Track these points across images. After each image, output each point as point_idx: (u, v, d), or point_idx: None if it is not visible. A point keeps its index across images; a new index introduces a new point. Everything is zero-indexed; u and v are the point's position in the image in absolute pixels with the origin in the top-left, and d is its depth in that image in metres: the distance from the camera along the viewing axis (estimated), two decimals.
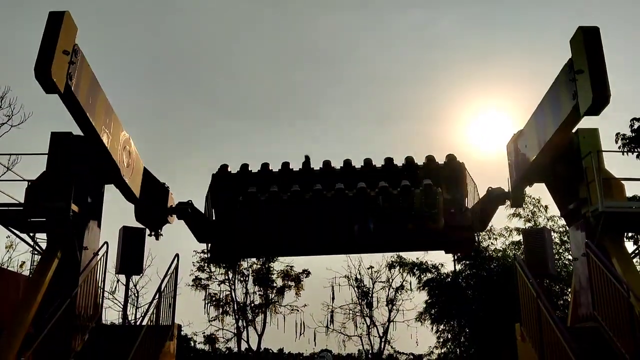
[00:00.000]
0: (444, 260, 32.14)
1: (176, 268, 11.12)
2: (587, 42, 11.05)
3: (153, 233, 15.56)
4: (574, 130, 13.61)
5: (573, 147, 13.35)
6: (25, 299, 11.75)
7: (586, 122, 12.57)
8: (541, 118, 13.52)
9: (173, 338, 11.40)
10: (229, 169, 16.85)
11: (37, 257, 14.17)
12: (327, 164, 17.07)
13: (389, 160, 17.07)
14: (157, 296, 10.00)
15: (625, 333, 9.51)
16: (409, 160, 16.73)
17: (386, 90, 79.97)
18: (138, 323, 13.29)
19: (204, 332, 33.74)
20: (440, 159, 16.40)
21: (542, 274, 13.87)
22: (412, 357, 36.03)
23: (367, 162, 17.08)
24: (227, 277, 32.88)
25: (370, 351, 33.63)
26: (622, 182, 12.89)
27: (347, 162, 17.05)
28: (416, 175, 16.18)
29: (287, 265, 33.42)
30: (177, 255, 11.21)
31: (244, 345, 33.45)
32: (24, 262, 29.59)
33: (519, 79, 76.47)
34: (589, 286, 11.53)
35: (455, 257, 28.12)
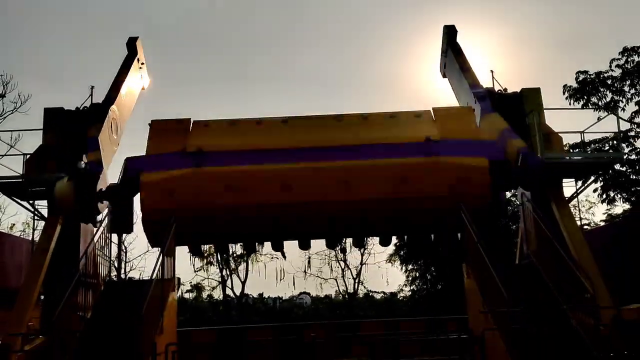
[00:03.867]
0: None
1: (174, 232, 12.61)
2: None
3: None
4: (518, 90, 15.38)
5: (519, 105, 15.01)
6: (35, 262, 13.06)
7: (537, 82, 14.57)
8: None
9: (175, 290, 13.07)
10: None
11: (38, 223, 15.20)
12: None
13: None
14: (160, 257, 11.62)
15: (551, 267, 11.58)
16: None
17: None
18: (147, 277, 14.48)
19: (191, 282, 35.98)
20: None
21: (495, 213, 15.62)
22: (383, 294, 38.76)
23: None
24: None
25: (345, 291, 35.94)
26: (561, 134, 14.72)
27: None
28: None
29: None
30: (173, 219, 12.65)
31: (228, 292, 35.72)
32: (14, 224, 30.92)
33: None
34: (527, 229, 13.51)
35: None
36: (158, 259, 11.50)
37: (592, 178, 15.22)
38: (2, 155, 14.01)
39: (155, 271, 11.20)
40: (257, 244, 15.99)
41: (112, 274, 14.25)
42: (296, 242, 15.10)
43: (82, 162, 14.00)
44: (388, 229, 14.81)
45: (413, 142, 13.52)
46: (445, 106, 15.77)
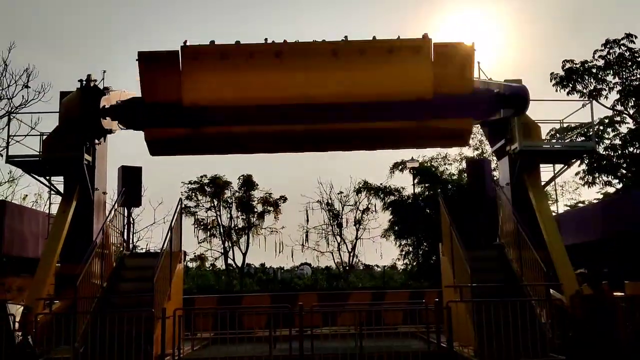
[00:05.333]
0: (405, 184, 35.58)
1: (181, 209, 13.88)
2: None
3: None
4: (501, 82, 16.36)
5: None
6: (53, 234, 14.25)
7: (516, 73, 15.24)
8: None
9: (182, 261, 14.42)
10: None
11: (54, 197, 16.34)
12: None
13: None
14: (169, 232, 12.94)
15: (515, 247, 12.89)
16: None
17: None
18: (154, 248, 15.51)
19: (195, 252, 37.65)
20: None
21: (480, 197, 16.83)
22: (377, 267, 40.32)
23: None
24: (213, 205, 36.20)
25: (345, 263, 37.43)
26: (544, 121, 15.79)
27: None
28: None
29: (266, 193, 36.76)
30: (180, 199, 13.92)
31: (230, 262, 37.41)
32: (26, 196, 32.30)
33: None
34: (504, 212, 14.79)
35: (415, 180, 31.56)
36: (168, 233, 12.81)
37: (573, 162, 16.26)
38: (25, 136, 15.24)
39: (165, 244, 12.51)
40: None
41: (124, 246, 15.58)
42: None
43: (91, 79, 14.76)
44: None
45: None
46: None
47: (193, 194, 35.85)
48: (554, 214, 21.34)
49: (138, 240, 29.17)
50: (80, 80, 14.91)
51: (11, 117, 15.98)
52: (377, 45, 13.82)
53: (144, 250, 28.68)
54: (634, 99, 24.63)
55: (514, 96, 13.82)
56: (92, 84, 14.71)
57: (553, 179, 15.95)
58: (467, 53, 14.00)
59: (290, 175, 62.48)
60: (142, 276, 12.49)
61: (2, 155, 20.61)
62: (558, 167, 15.72)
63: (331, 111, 13.85)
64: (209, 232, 36.26)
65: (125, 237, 16.69)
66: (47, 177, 15.52)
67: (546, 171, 15.90)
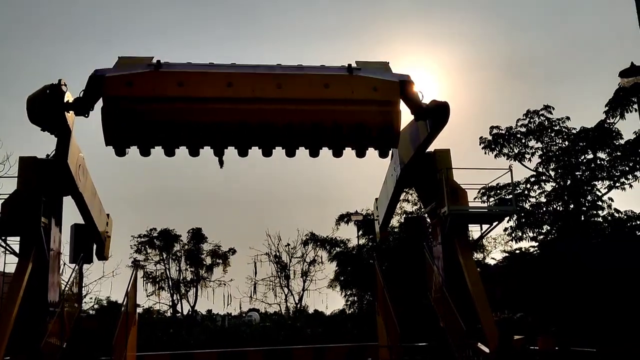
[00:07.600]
0: (350, 236, 37.07)
1: (135, 277, 14.75)
2: None
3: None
4: (432, 150, 17.96)
5: (432, 163, 17.72)
6: (10, 295, 14.63)
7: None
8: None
9: (136, 323, 15.18)
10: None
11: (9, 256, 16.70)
12: None
13: None
14: (125, 298, 13.80)
15: (439, 302, 14.38)
16: None
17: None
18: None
19: (143, 306, 37.67)
20: None
21: (415, 253, 18.24)
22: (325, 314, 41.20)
23: None
24: (162, 258, 36.62)
25: (294, 309, 38.19)
26: (467, 188, 17.44)
27: None
28: None
29: (215, 245, 37.47)
30: (136, 265, 14.82)
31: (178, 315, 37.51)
32: None
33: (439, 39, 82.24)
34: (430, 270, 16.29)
35: (360, 232, 33.14)
36: (124, 298, 13.70)
37: (496, 224, 17.97)
38: None
39: (122, 308, 13.36)
40: (200, 148, 15.36)
41: (81, 307, 16.22)
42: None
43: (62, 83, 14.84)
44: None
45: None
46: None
47: (142, 247, 36.22)
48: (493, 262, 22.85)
49: (87, 293, 29.30)
50: (52, 84, 14.96)
51: None
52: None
53: (92, 302, 28.86)
54: (553, 162, 27.14)
55: (437, 108, 15.09)
56: (62, 87, 14.81)
57: (480, 238, 17.66)
58: None
59: (239, 227, 63.06)
60: (100, 337, 13.20)
61: None
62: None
63: None
64: (157, 285, 36.59)
65: (78, 292, 17.17)
66: (3, 238, 15.91)
67: (475, 230, 17.61)
